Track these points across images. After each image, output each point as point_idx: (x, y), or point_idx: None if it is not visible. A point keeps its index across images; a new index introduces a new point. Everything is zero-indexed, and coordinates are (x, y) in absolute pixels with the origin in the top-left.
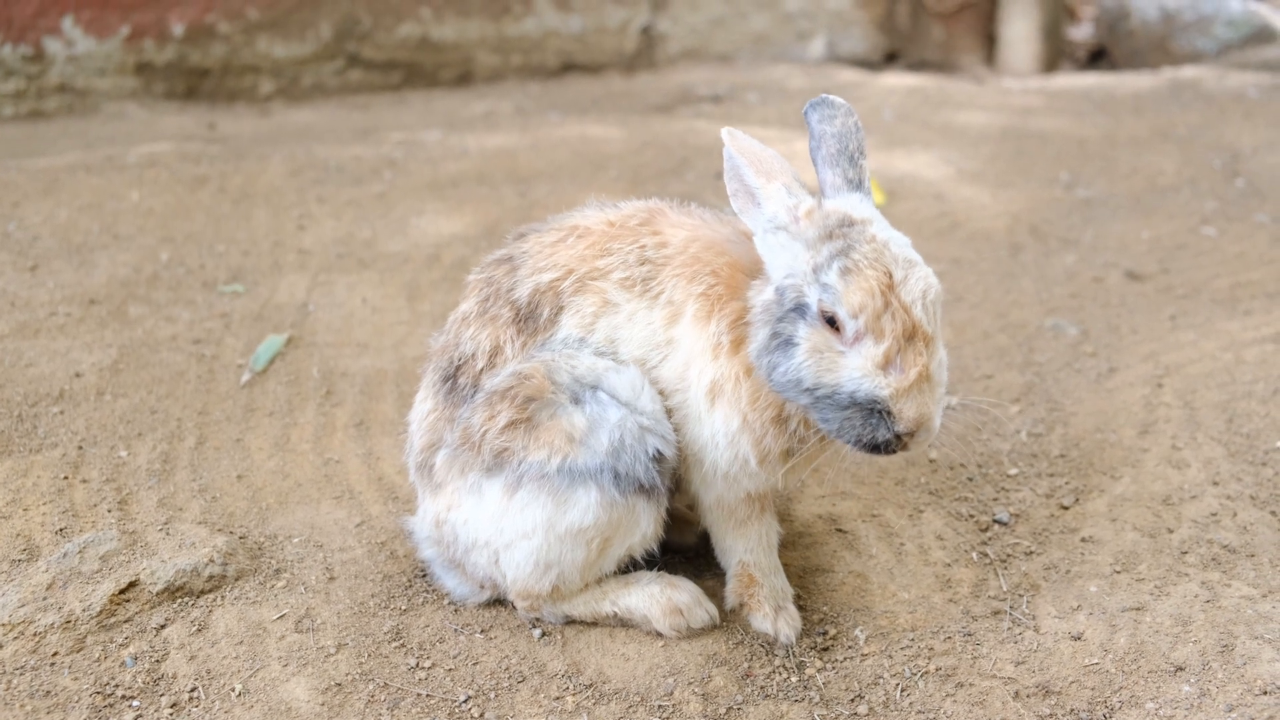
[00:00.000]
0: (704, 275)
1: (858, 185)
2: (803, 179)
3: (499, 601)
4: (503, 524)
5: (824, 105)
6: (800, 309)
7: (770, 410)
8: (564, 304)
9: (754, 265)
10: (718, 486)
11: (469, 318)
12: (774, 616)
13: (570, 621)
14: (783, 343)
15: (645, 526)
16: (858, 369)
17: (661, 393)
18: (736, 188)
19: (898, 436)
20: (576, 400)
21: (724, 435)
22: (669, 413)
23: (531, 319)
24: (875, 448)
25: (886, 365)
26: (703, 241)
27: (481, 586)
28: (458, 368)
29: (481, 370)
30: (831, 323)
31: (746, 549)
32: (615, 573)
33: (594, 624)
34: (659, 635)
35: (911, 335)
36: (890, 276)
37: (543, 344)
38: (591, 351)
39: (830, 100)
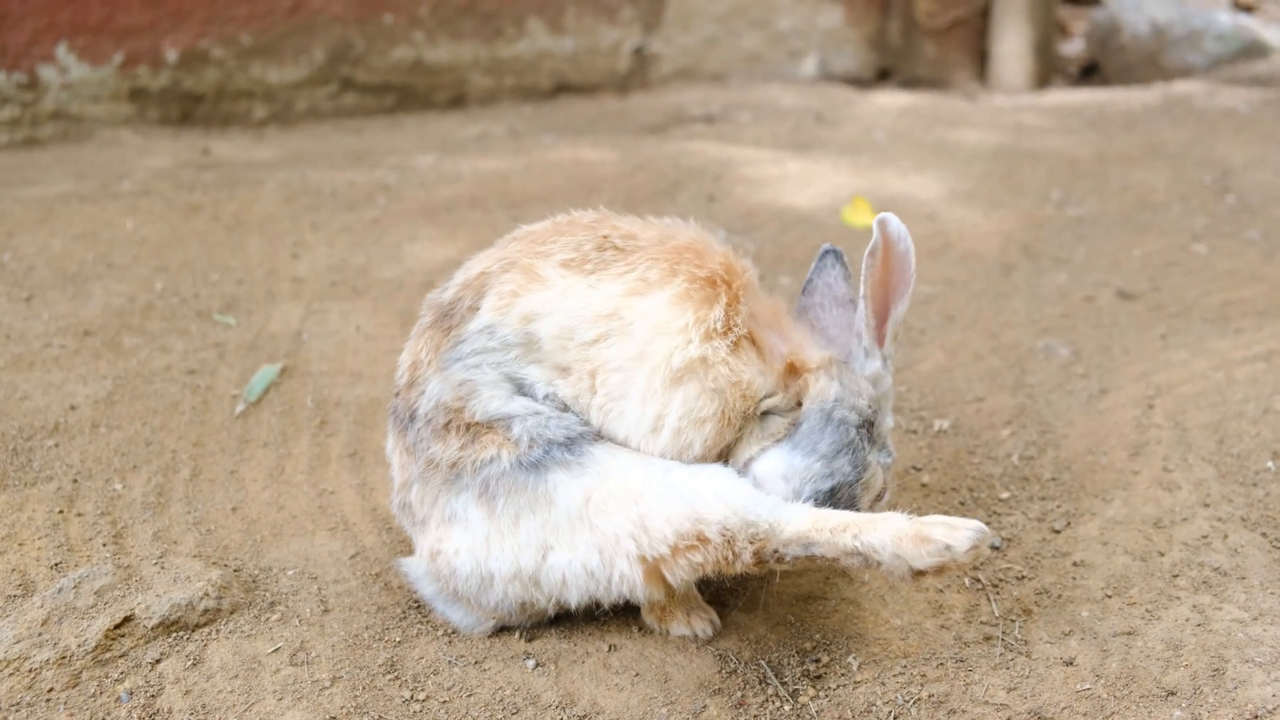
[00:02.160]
0: (708, 265)
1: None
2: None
3: (500, 629)
4: (505, 544)
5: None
6: (869, 434)
7: (744, 404)
8: (488, 287)
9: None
10: None
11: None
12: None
13: (811, 556)
14: (869, 438)
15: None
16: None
17: (590, 373)
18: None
19: None
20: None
21: (676, 416)
22: (588, 391)
23: (449, 316)
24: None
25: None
26: (683, 240)
27: (489, 616)
28: (395, 394)
29: (408, 385)
30: None
31: None
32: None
33: (836, 559)
34: (912, 576)
35: None
36: None
37: (455, 344)
38: (499, 343)
39: (842, 256)
